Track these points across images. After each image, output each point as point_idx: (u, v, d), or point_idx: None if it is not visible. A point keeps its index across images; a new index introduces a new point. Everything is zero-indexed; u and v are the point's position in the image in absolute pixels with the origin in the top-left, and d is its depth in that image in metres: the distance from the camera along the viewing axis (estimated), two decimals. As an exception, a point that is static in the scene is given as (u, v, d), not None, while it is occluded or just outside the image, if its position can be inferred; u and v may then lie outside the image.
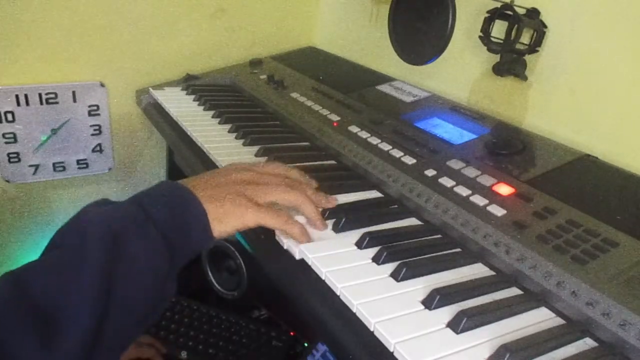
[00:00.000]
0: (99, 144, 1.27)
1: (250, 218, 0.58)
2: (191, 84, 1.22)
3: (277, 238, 0.63)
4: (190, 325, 1.08)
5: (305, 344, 1.06)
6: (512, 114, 0.94)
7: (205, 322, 1.09)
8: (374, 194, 0.77)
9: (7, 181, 1.20)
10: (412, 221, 0.70)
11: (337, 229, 0.65)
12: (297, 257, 0.60)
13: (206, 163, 0.85)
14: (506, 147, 0.79)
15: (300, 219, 0.64)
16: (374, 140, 0.85)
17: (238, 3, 1.32)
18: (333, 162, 0.87)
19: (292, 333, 1.09)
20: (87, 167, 1.27)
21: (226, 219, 0.56)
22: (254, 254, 0.68)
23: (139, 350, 0.96)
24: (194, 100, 1.12)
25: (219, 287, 1.14)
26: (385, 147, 0.83)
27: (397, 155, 0.80)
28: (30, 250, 1.32)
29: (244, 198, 0.59)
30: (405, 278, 0.56)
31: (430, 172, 0.74)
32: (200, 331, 1.07)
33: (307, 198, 0.64)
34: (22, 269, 0.46)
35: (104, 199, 0.55)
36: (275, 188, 0.62)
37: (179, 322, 1.08)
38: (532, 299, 0.56)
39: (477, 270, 0.61)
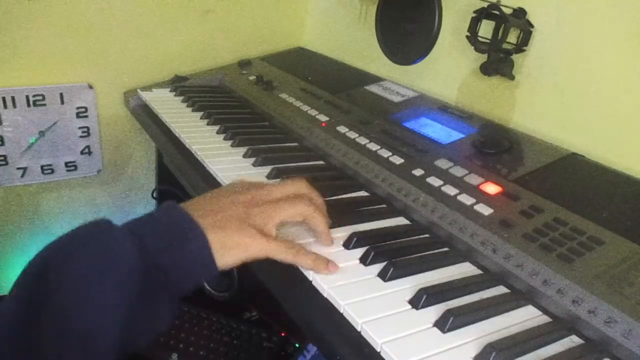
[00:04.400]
0: (88, 146, 1.26)
1: (257, 250, 0.54)
2: (179, 85, 1.21)
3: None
4: (180, 327, 1.08)
5: (297, 345, 1.06)
6: (500, 113, 0.94)
7: (196, 324, 1.09)
8: (362, 193, 0.78)
9: (-5, 184, 1.19)
10: (400, 221, 0.70)
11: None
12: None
13: (194, 165, 0.85)
14: (494, 146, 0.80)
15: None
16: (362, 140, 0.85)
17: (227, 4, 1.32)
18: (321, 162, 0.87)
19: (283, 334, 1.09)
20: (75, 169, 1.27)
21: (231, 250, 0.52)
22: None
23: None
24: (182, 101, 1.12)
25: (209, 289, 1.14)
26: (374, 147, 0.83)
27: (385, 155, 0.80)
28: (18, 253, 1.31)
29: (250, 226, 0.54)
30: (393, 278, 0.56)
31: (418, 172, 0.75)
32: (191, 333, 1.07)
33: (315, 208, 0.59)
34: None
35: (105, 219, 0.50)
36: (281, 205, 0.57)
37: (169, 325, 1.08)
38: (518, 297, 0.56)
39: (464, 269, 0.61)
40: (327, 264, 0.57)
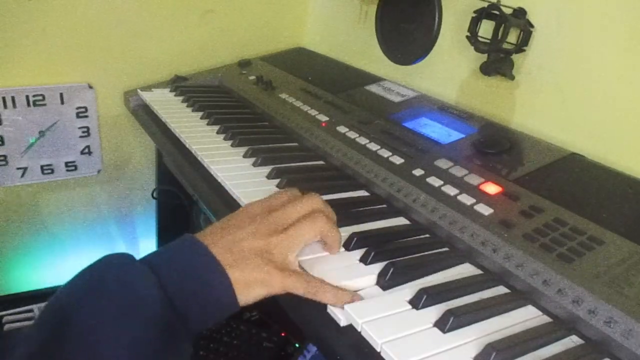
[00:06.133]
0: (88, 146, 1.26)
1: (277, 285, 0.52)
2: (179, 85, 1.21)
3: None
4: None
5: (297, 345, 1.06)
6: (500, 113, 0.94)
7: (196, 324, 1.09)
8: (362, 193, 0.78)
9: (-5, 184, 1.19)
10: (400, 221, 0.70)
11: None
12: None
13: (194, 165, 0.85)
14: (494, 146, 0.80)
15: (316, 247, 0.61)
16: (363, 140, 0.85)
17: (227, 4, 1.32)
18: (322, 162, 0.87)
19: (283, 334, 1.09)
20: (75, 169, 1.27)
21: (252, 288, 0.51)
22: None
23: None
24: (182, 101, 1.12)
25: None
26: (374, 147, 0.83)
27: (385, 155, 0.80)
28: (19, 253, 1.31)
29: (270, 262, 0.53)
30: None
31: (418, 172, 0.75)
32: (191, 333, 1.07)
33: (333, 224, 0.59)
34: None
35: (127, 255, 0.49)
36: (300, 230, 0.56)
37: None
38: (518, 297, 0.56)
39: (464, 270, 0.61)
40: (351, 297, 0.54)
